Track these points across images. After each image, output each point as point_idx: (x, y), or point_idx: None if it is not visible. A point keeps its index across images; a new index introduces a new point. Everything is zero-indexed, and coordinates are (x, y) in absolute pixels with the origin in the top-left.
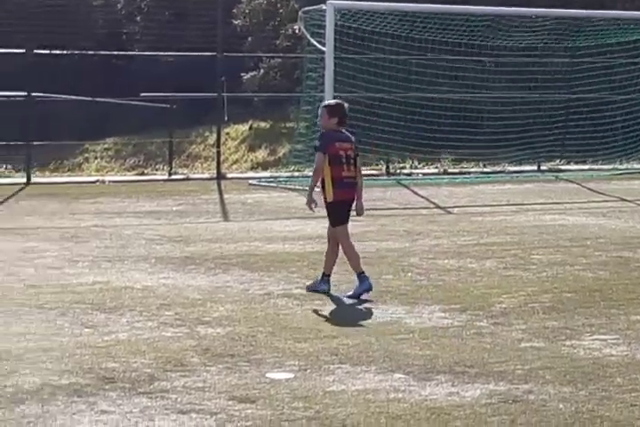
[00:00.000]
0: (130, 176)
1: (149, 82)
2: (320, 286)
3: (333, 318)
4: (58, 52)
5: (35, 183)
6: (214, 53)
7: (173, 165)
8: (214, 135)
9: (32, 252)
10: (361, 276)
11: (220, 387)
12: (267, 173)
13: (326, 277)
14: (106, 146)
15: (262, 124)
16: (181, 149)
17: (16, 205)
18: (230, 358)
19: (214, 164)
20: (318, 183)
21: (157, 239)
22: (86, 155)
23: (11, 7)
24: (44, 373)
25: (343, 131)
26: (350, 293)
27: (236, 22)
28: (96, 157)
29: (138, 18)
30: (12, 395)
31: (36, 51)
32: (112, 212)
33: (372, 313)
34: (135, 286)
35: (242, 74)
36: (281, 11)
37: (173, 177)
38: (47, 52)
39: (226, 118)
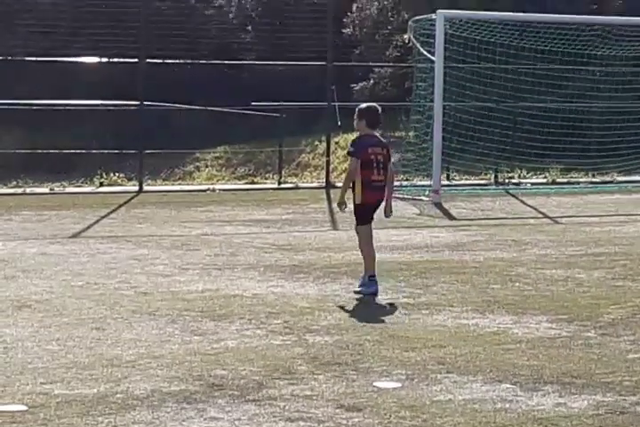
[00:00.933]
0: (240, 185)
1: (260, 91)
2: (371, 287)
3: (440, 328)
4: (170, 61)
5: (147, 191)
6: (324, 63)
7: (283, 173)
8: (324, 144)
9: (143, 259)
10: (371, 279)
11: (327, 395)
12: None
13: (371, 277)
14: (216, 154)
15: None
16: (291, 157)
17: (128, 213)
18: (338, 366)
19: (323, 173)
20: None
21: (267, 248)
22: (197, 163)
23: (125, 17)
24: (155, 379)
25: (376, 134)
26: (357, 289)
27: (346, 32)
28: (207, 166)
29: (249, 27)
30: (122, 401)
31: (148, 60)
32: (222, 220)
33: (479, 323)
34: (244, 293)
35: (352, 84)
36: (391, 19)
37: (283, 186)
38: (160, 61)
39: (339, 123)
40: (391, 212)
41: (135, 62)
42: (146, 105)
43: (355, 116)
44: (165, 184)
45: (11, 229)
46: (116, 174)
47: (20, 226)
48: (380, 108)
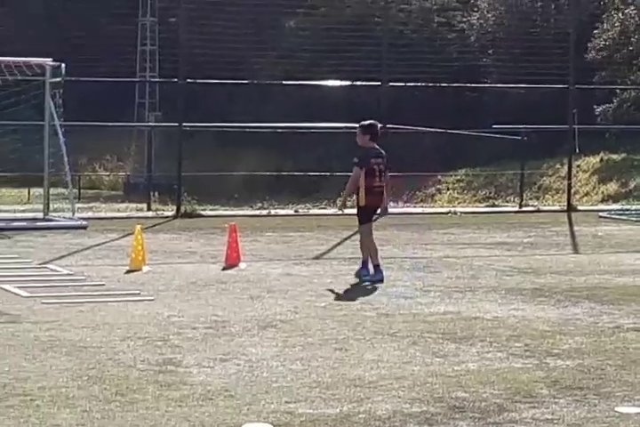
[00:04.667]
0: (481, 207)
1: (500, 114)
2: (374, 277)
3: None
4: (412, 84)
5: (388, 213)
6: (566, 86)
7: (524, 196)
8: (565, 167)
9: (385, 281)
10: (374, 267)
11: (568, 419)
12: (617, 206)
13: (376, 266)
14: (457, 177)
15: (614, 157)
16: (532, 180)
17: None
18: (579, 390)
19: (565, 196)
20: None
21: (507, 270)
22: (439, 186)
23: (367, 41)
24: (396, 400)
25: (376, 147)
26: (364, 278)
27: (589, 55)
28: (448, 189)
29: (490, 51)
30: (365, 421)
31: (391, 83)
32: (463, 242)
33: None
34: (485, 316)
35: (594, 106)
36: (633, 40)
37: (524, 209)
38: (402, 84)
39: (577, 150)
40: (386, 211)
41: (378, 85)
42: (388, 128)
43: (359, 132)
44: (407, 206)
45: (256, 250)
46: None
47: (265, 247)
48: (379, 125)
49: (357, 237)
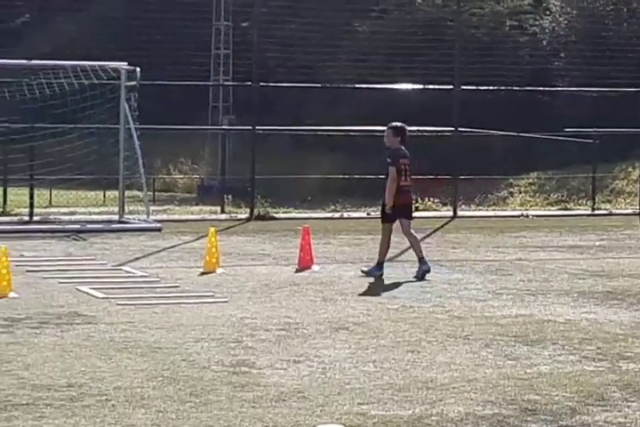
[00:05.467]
0: (553, 211)
1: (572, 117)
2: (423, 268)
3: None
4: (484, 87)
5: (460, 217)
6: (638, 89)
7: (596, 199)
8: (637, 170)
9: (458, 284)
10: (380, 264)
11: None
12: None
13: (422, 259)
14: (530, 180)
15: None
16: (604, 184)
17: (443, 237)
18: None
19: (637, 199)
20: None
21: (580, 274)
22: (510, 189)
23: (439, 44)
24: (469, 402)
25: (403, 149)
26: (367, 269)
27: None
28: (520, 192)
29: (562, 54)
30: (437, 423)
31: (463, 87)
32: (535, 246)
33: None
34: (557, 319)
35: None
36: None
37: (596, 212)
38: (474, 88)
39: None
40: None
41: (450, 89)
42: (460, 131)
43: (390, 134)
44: (479, 209)
45: (329, 253)
46: (431, 199)
47: (337, 249)
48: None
49: (429, 240)
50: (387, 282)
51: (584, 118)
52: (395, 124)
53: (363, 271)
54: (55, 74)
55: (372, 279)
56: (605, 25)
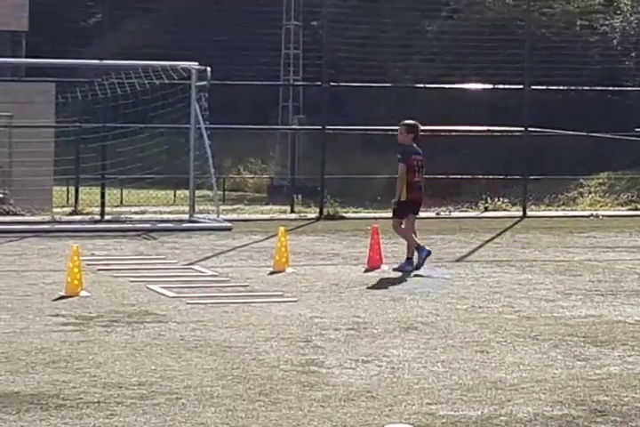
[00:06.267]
0: (623, 211)
1: None
2: (406, 267)
3: None
4: (554, 87)
5: (530, 217)
6: None
7: None
8: None
9: (527, 284)
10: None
11: None
12: None
13: (423, 251)
14: (599, 180)
15: None
16: None
17: (512, 237)
18: None
19: None
20: None
21: None
22: (580, 189)
23: (509, 44)
24: (538, 403)
25: (415, 146)
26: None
27: None
28: (590, 192)
29: (633, 54)
30: (506, 424)
31: (533, 87)
32: (605, 246)
33: None
34: (627, 320)
35: None
36: None
37: None
38: (544, 87)
39: None
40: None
41: (520, 89)
42: (530, 131)
43: (403, 131)
44: (549, 210)
45: (398, 253)
46: (501, 199)
47: (404, 249)
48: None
49: (498, 240)
50: (455, 282)
51: None
52: (408, 121)
53: (395, 269)
54: (126, 74)
55: (441, 280)
56: None
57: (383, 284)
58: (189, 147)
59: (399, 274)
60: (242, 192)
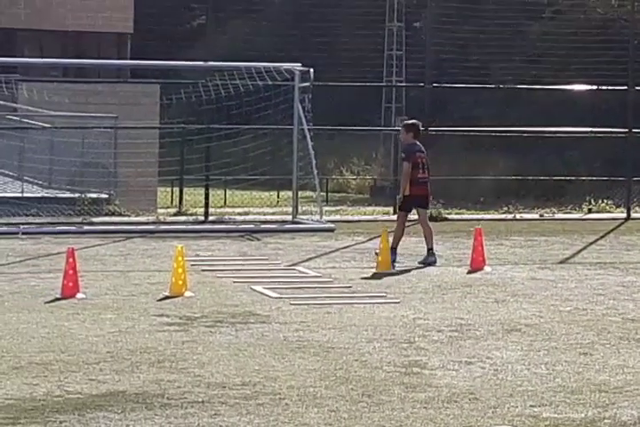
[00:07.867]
0: None
1: None
2: (430, 259)
3: None
4: None
5: (634, 219)
6: None
7: None
8: None
9: (631, 286)
10: (394, 250)
11: None
12: None
13: (430, 250)
14: None
15: None
16: None
17: (616, 239)
18: None
19: None
20: None
21: None
22: None
23: (614, 45)
24: None
25: (418, 143)
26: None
27: None
28: None
29: None
30: (609, 426)
31: (637, 87)
32: None
33: None
34: None
35: None
36: None
37: None
38: None
39: None
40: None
41: (624, 89)
42: (634, 132)
43: (402, 130)
44: None
45: (501, 254)
46: (605, 201)
47: (509, 251)
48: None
49: (602, 242)
50: (559, 284)
51: None
52: (407, 121)
53: (419, 263)
54: (230, 75)
55: (544, 282)
56: None
57: (486, 285)
58: (293, 148)
59: (503, 276)
60: (344, 193)
